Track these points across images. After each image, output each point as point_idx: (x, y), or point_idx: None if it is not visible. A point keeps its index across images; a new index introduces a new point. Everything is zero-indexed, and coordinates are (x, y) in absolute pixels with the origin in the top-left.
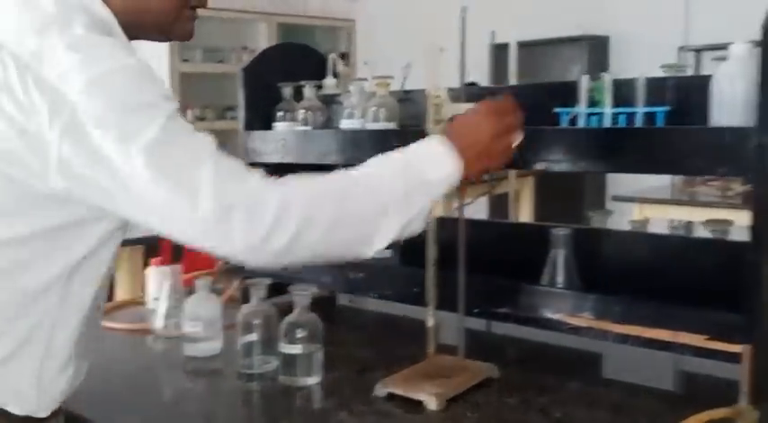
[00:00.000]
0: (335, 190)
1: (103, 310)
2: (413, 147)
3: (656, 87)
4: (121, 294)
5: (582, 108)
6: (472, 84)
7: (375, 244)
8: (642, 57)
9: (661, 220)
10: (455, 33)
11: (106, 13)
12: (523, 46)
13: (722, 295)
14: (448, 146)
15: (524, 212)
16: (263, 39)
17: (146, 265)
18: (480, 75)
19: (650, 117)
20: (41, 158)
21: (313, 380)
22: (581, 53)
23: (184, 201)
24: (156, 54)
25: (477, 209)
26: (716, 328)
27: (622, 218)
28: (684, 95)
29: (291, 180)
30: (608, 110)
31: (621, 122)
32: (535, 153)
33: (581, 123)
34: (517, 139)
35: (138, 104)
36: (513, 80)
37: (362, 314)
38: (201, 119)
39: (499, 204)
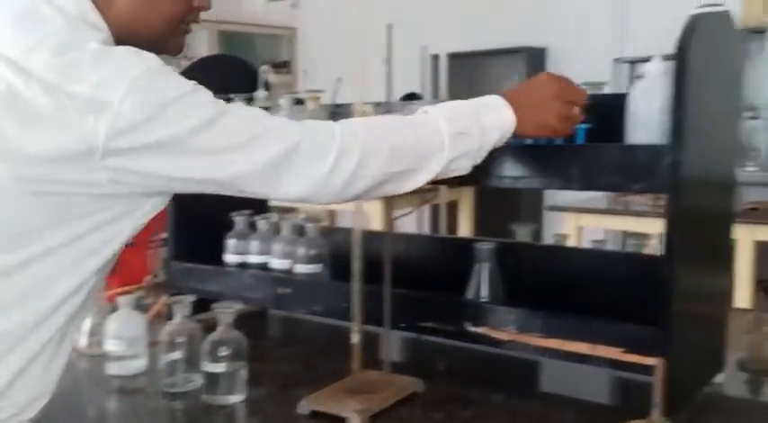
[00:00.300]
0: (394, 122)
1: None
2: (475, 99)
3: None
4: None
5: None
6: (413, 95)
7: (422, 177)
8: (579, 68)
9: (596, 229)
10: (397, 44)
11: (103, 26)
12: (463, 56)
13: (639, 308)
14: (506, 99)
15: (464, 223)
16: (204, 46)
17: None
18: (422, 86)
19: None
20: (85, 154)
21: (236, 398)
22: (520, 64)
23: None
24: None
25: (420, 218)
26: (632, 341)
27: (560, 227)
28: (604, 112)
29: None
30: None
31: (542, 140)
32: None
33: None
34: (579, 113)
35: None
36: (443, 91)
37: (293, 329)
38: None
39: (435, 216)
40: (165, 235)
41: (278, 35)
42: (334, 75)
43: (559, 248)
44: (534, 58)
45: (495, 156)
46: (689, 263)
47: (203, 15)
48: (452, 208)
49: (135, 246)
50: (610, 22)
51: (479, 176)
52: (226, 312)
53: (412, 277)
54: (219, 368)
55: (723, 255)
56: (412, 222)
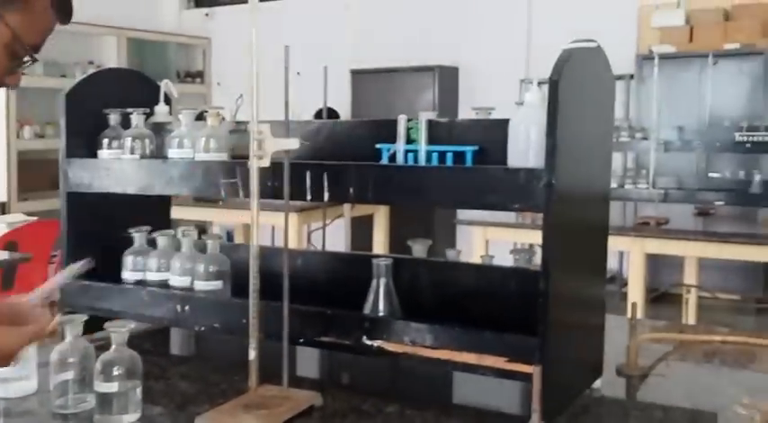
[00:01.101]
0: None
1: None
2: None
3: (468, 128)
4: None
5: (400, 145)
6: (330, 109)
7: None
8: (489, 87)
9: (506, 243)
10: (309, 61)
11: None
12: (374, 73)
13: (523, 320)
14: None
15: (378, 237)
16: (112, 53)
17: None
18: (341, 101)
19: (460, 155)
20: None
21: (130, 418)
22: (432, 82)
23: None
24: None
25: (337, 233)
26: (514, 350)
27: (470, 240)
28: (491, 136)
29: None
30: (423, 147)
31: (434, 160)
32: (356, 186)
33: (399, 159)
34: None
35: None
36: (346, 111)
37: (193, 347)
38: (41, 136)
39: (353, 229)
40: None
41: (192, 45)
42: (246, 88)
43: (451, 264)
44: (446, 77)
45: (391, 176)
46: (564, 275)
47: (111, 21)
48: (368, 222)
49: (32, 261)
50: (516, 45)
51: (381, 195)
52: (118, 331)
53: (311, 293)
54: (112, 388)
55: (598, 266)
56: (329, 236)
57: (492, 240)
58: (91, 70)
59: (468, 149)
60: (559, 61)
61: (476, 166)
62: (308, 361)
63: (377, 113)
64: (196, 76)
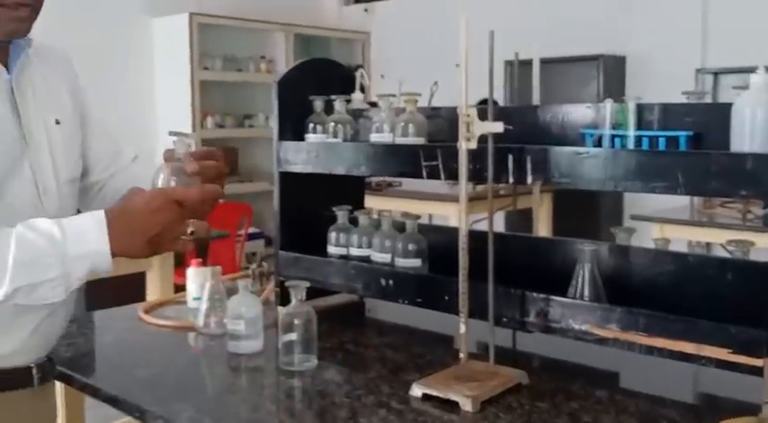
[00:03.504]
0: None
1: None
2: (75, 218)
3: (677, 112)
4: (152, 291)
5: (606, 130)
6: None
7: None
8: (659, 77)
9: (680, 240)
10: (471, 49)
11: None
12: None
13: (743, 311)
14: (103, 227)
15: (542, 227)
16: (281, 48)
17: (177, 264)
18: (496, 92)
19: (673, 141)
20: None
21: (309, 364)
22: (597, 72)
23: None
24: (177, 62)
25: (495, 225)
26: (738, 342)
27: (640, 238)
28: (704, 121)
29: None
30: (631, 132)
31: (645, 145)
32: (561, 171)
33: (605, 144)
34: (195, 227)
35: None
36: (536, 98)
37: (386, 322)
38: (221, 126)
39: (514, 219)
40: (250, 230)
41: (352, 39)
42: (411, 79)
43: (662, 252)
44: (613, 67)
45: (596, 158)
46: None
47: (280, 18)
48: (528, 215)
49: (227, 238)
50: (691, 32)
51: (580, 178)
52: (297, 288)
53: (510, 274)
54: (292, 337)
55: None
56: (486, 228)
57: (669, 238)
58: (263, 65)
59: (682, 134)
60: None
61: (698, 151)
62: (508, 341)
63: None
64: (356, 68)
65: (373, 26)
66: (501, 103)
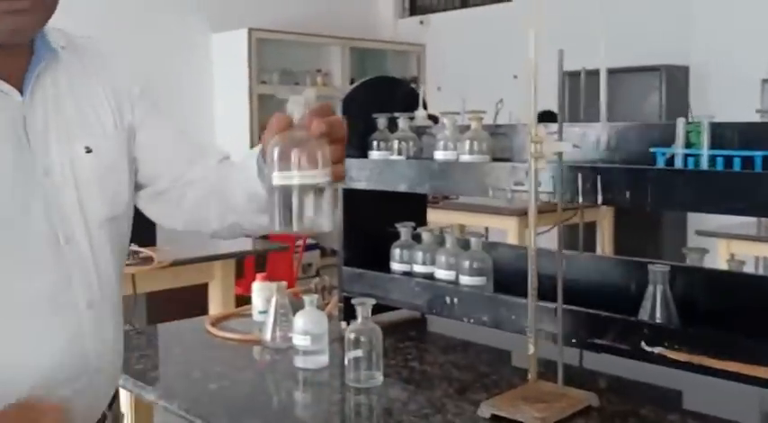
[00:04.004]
0: None
1: None
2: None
3: (753, 131)
4: (215, 303)
5: (679, 149)
6: (548, 112)
7: None
8: (723, 88)
9: (747, 256)
10: (528, 60)
11: None
12: (595, 73)
13: None
14: None
15: (605, 241)
16: (337, 62)
17: (237, 276)
18: (551, 102)
19: (749, 161)
20: None
21: (375, 382)
22: (659, 83)
23: None
24: (236, 76)
25: (554, 238)
26: None
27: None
28: None
29: None
30: (705, 152)
31: (719, 165)
32: (633, 190)
33: (678, 164)
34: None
35: None
36: (603, 112)
37: (450, 338)
38: None
39: (576, 233)
40: (308, 241)
41: (407, 51)
42: (462, 90)
43: (736, 274)
44: (675, 77)
45: (671, 180)
46: None
47: (336, 32)
48: (590, 229)
49: (286, 251)
50: (757, 41)
51: (660, 200)
52: (364, 305)
53: (578, 295)
54: (358, 353)
55: None
56: (547, 243)
57: (736, 254)
58: (319, 78)
59: (758, 154)
60: None
61: None
62: (577, 362)
63: (593, 116)
64: (411, 81)
65: (428, 38)
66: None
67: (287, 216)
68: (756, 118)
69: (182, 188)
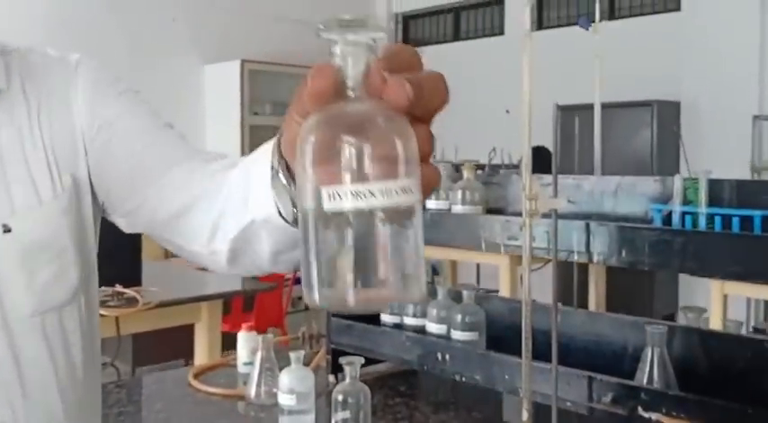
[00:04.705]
0: None
1: None
2: None
3: (751, 190)
4: (200, 348)
5: (676, 206)
6: (542, 148)
7: None
8: (714, 124)
9: (740, 298)
10: (520, 95)
11: None
12: (587, 108)
13: None
14: None
15: (594, 285)
16: None
17: (225, 313)
18: (544, 137)
19: (748, 220)
20: None
21: None
22: (651, 118)
23: None
24: (228, 107)
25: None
26: None
27: (700, 293)
28: None
29: None
30: (703, 210)
31: (717, 225)
32: (628, 249)
33: (675, 221)
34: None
35: None
36: (597, 149)
37: (441, 394)
38: None
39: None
40: (298, 274)
41: None
42: (454, 123)
43: (739, 337)
44: (666, 113)
45: (669, 240)
46: None
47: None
48: (582, 265)
49: (275, 290)
50: (747, 77)
51: (656, 260)
52: (351, 365)
53: (573, 353)
54: (346, 415)
55: None
56: (539, 282)
57: (729, 295)
58: None
59: (757, 214)
60: None
61: None
62: (575, 421)
63: (585, 151)
64: None
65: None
66: (550, 149)
67: (332, 276)
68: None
69: (150, 207)
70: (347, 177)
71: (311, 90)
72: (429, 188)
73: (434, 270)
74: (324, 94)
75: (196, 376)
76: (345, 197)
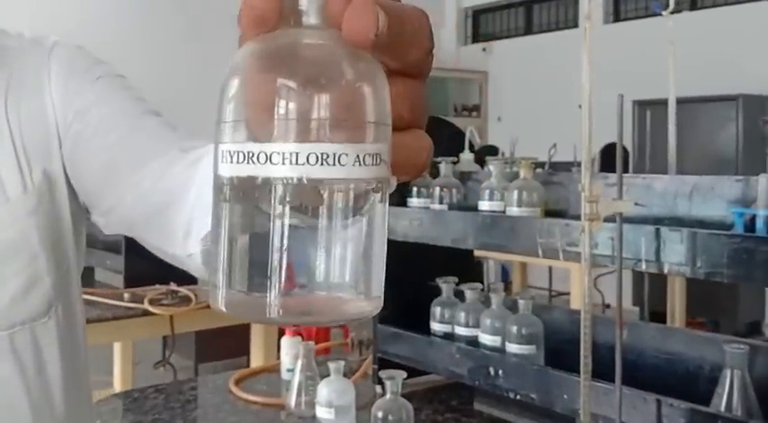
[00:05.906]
0: None
1: None
2: None
3: None
4: (256, 348)
5: (761, 210)
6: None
7: None
8: None
9: None
10: (597, 89)
11: None
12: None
13: None
14: None
15: (674, 289)
16: None
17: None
18: (624, 135)
19: None
20: None
21: None
22: (735, 113)
23: None
24: None
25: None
26: None
27: None
28: None
29: None
30: None
31: None
32: (705, 258)
33: (759, 225)
34: None
35: None
36: (672, 160)
37: (496, 411)
38: None
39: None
40: None
41: (469, 79)
42: (523, 121)
43: None
44: (752, 107)
45: (750, 249)
46: None
47: None
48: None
49: None
50: None
51: (736, 271)
52: (393, 380)
53: (641, 372)
54: None
55: None
56: (612, 285)
57: None
58: None
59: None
60: None
61: None
62: None
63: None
64: (472, 109)
65: (491, 65)
66: (629, 147)
67: (246, 274)
68: None
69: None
70: (278, 134)
71: (247, 11)
72: (409, 166)
73: (504, 272)
74: (264, 17)
75: (238, 382)
76: (272, 162)
